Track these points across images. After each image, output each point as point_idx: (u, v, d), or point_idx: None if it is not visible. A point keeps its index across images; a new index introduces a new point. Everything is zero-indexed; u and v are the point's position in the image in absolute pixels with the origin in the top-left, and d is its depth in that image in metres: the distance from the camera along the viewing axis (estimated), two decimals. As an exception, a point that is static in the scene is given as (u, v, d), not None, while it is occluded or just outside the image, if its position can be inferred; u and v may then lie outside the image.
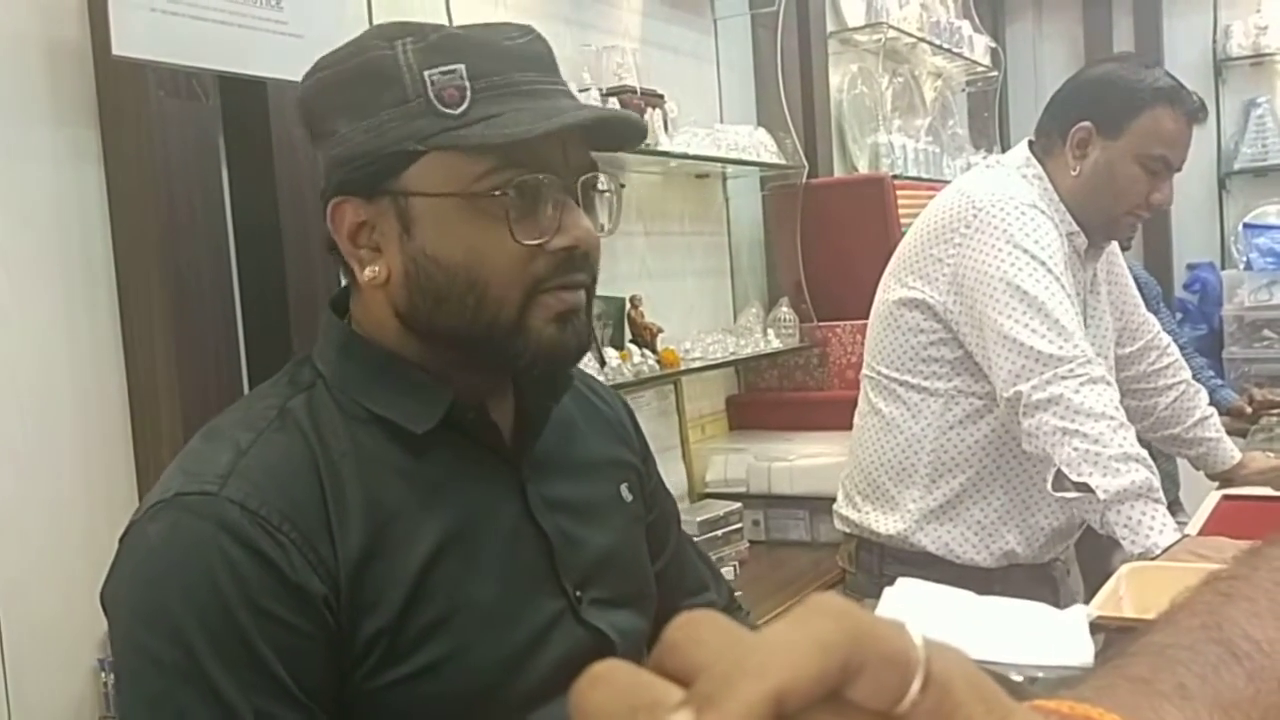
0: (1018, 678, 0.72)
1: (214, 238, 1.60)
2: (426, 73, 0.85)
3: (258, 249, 1.67)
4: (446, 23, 2.01)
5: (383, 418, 0.89)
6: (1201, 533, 1.78)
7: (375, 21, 1.97)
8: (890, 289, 1.87)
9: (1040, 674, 0.73)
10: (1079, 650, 0.77)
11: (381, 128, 0.86)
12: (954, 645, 0.28)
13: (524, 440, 0.96)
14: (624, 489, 1.06)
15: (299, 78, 1.64)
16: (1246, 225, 4.46)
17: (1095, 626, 0.81)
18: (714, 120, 2.92)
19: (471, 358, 0.91)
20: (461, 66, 0.85)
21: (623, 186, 0.95)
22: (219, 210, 1.63)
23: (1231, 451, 2.12)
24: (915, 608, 0.83)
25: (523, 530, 0.94)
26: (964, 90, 4.60)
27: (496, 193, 0.85)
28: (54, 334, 1.50)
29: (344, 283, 0.95)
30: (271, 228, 1.66)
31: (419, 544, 0.87)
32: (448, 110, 0.85)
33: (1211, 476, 2.14)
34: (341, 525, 0.84)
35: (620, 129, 0.92)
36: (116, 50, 1.41)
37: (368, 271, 0.89)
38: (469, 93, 0.85)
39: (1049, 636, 0.78)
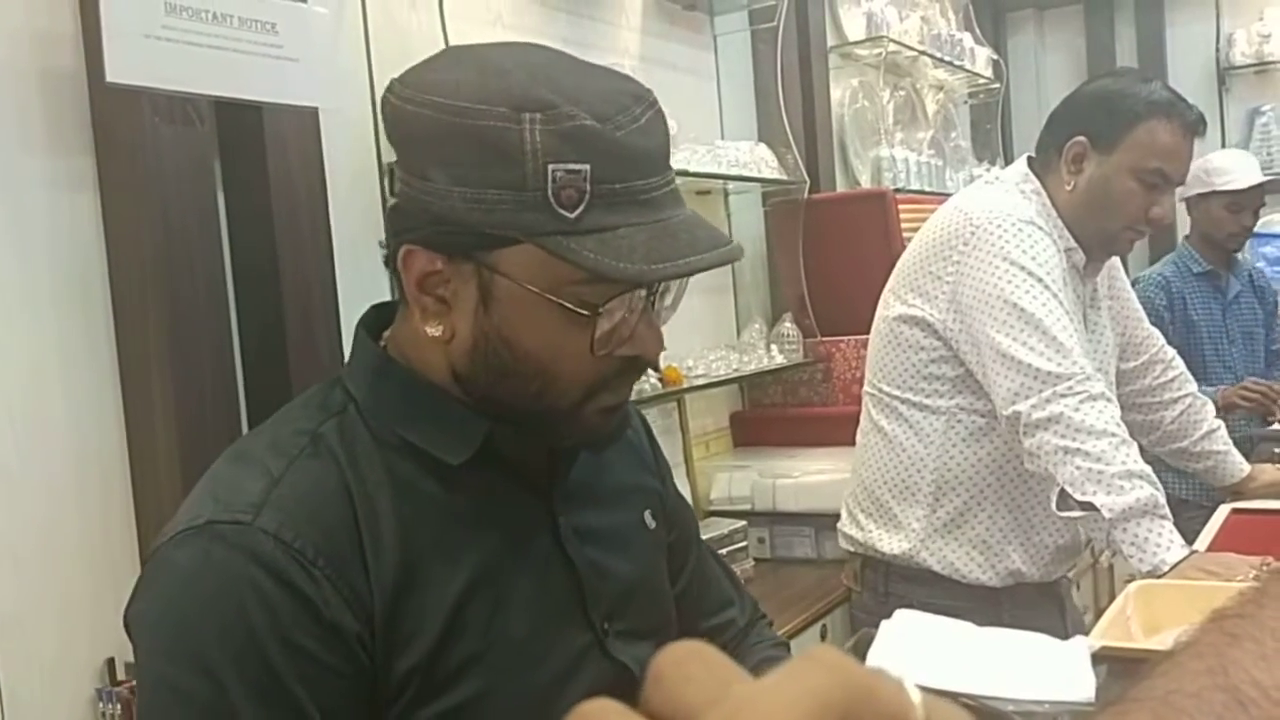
0: (1013, 710, 0.71)
1: (210, 262, 1.60)
2: (551, 167, 0.79)
3: (254, 273, 1.66)
4: (442, 40, 2.01)
5: (417, 447, 0.88)
6: (1210, 547, 1.76)
7: (373, 45, 1.97)
8: (890, 306, 1.86)
9: (1040, 709, 0.72)
10: (1080, 685, 0.75)
11: (488, 204, 0.81)
12: (952, 704, 0.27)
13: (556, 472, 0.95)
14: (648, 515, 1.05)
15: (294, 101, 1.66)
16: (1254, 234, 4.43)
17: (1098, 658, 0.80)
18: (715, 136, 2.92)
19: (517, 424, 0.90)
20: (587, 168, 0.79)
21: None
22: (215, 235, 1.62)
23: (1240, 464, 2.10)
24: (913, 640, 0.82)
25: (553, 562, 0.93)
26: (966, 102, 4.59)
27: (585, 313, 0.83)
28: (50, 361, 1.50)
29: (391, 297, 0.93)
30: (268, 251, 1.66)
31: (453, 578, 0.86)
32: (563, 212, 0.80)
33: (1221, 490, 2.12)
34: (376, 558, 0.83)
35: (724, 258, 0.87)
36: (110, 78, 1.41)
37: (431, 328, 0.86)
38: (587, 196, 0.80)
39: (1049, 670, 0.76)
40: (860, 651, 0.83)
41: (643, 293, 0.85)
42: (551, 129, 0.80)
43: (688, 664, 0.27)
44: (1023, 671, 0.76)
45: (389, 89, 0.86)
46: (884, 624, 0.85)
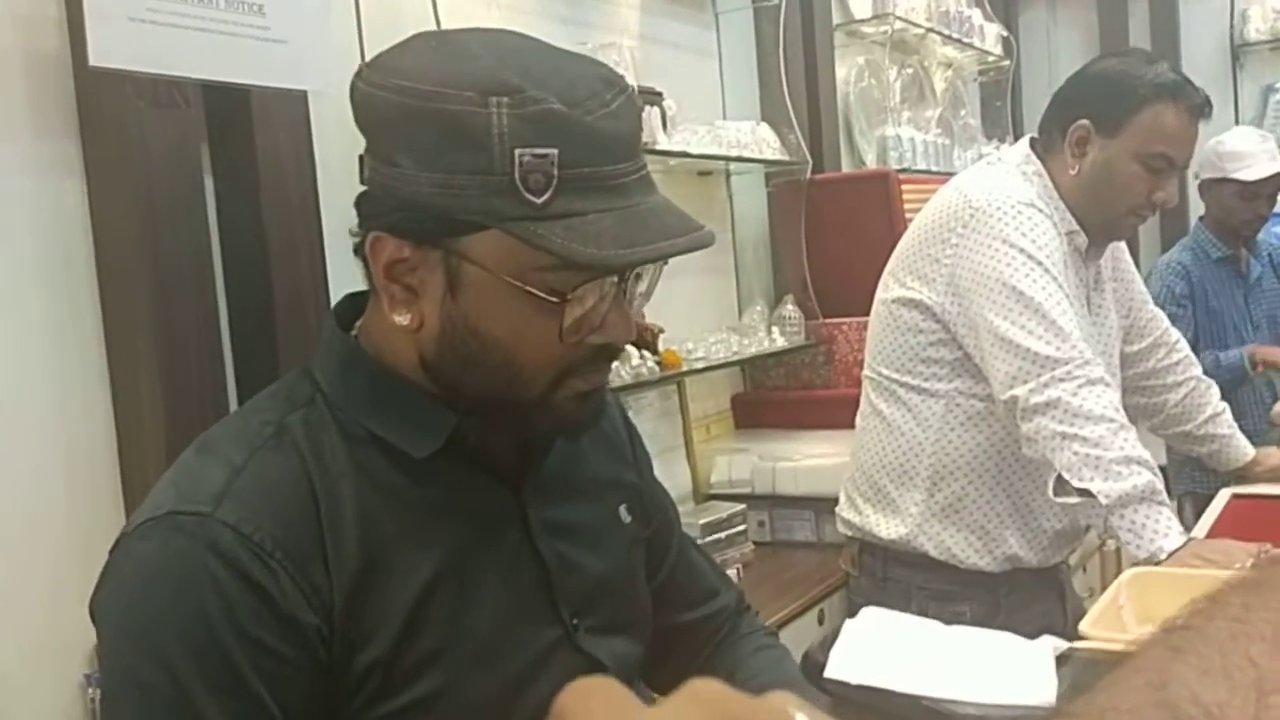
0: (972, 713, 0.70)
1: (197, 247, 1.59)
2: (518, 151, 0.78)
3: (242, 257, 1.66)
4: (434, 21, 1.99)
5: (383, 439, 0.87)
6: (1210, 533, 1.74)
7: (364, 24, 1.95)
8: (889, 288, 1.84)
9: (999, 713, 0.71)
10: (1041, 688, 0.74)
11: (455, 189, 0.79)
12: None
13: (527, 465, 0.94)
14: (623, 510, 1.04)
15: (283, 84, 1.64)
16: (1267, 213, 4.38)
17: (1063, 659, 0.79)
18: (716, 116, 2.89)
19: (488, 415, 0.89)
20: (554, 153, 0.78)
21: (665, 263, 0.89)
22: (202, 219, 1.62)
23: (1245, 448, 2.09)
24: (877, 640, 0.81)
25: (521, 556, 0.92)
26: (976, 80, 4.55)
27: (554, 300, 0.81)
28: (37, 346, 1.50)
29: (364, 288, 0.91)
30: (256, 235, 1.65)
31: (415, 574, 0.85)
32: (530, 197, 0.78)
33: (1226, 474, 2.10)
34: (337, 552, 0.82)
35: (696, 244, 0.85)
36: (93, 61, 1.40)
37: (399, 317, 0.85)
38: (555, 181, 0.79)
39: (1012, 673, 0.75)
40: (828, 647, 0.82)
41: (614, 279, 0.84)
42: (518, 113, 0.78)
43: (590, 699, 0.29)
44: (984, 673, 0.75)
45: (357, 74, 0.85)
46: (848, 622, 0.84)
